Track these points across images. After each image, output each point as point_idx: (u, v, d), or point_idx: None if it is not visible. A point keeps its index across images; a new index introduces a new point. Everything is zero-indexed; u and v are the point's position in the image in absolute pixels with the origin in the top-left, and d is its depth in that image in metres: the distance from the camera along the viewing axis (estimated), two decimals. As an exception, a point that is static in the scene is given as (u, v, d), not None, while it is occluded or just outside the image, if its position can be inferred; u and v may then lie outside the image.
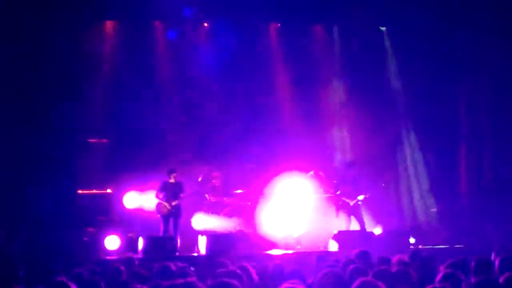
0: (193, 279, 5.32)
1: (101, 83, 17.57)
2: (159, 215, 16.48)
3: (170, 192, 16.44)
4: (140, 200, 17.12)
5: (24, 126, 15.37)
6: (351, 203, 16.71)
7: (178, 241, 16.01)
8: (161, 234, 16.26)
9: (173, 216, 16.45)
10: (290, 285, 5.30)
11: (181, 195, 16.44)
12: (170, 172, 16.52)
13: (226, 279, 4.92)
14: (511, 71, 17.17)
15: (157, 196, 16.49)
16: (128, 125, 17.54)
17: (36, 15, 15.47)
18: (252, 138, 17.76)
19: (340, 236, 15.85)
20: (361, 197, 16.74)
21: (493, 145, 17.14)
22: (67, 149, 15.99)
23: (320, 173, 17.67)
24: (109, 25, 17.67)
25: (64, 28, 15.82)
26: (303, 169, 17.67)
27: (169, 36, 17.84)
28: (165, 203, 16.38)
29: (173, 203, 16.37)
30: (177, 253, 15.57)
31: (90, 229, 16.47)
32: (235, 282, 4.79)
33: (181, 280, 4.87)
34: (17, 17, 15.26)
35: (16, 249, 14.70)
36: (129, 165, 17.21)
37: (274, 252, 16.06)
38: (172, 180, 16.47)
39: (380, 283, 5.67)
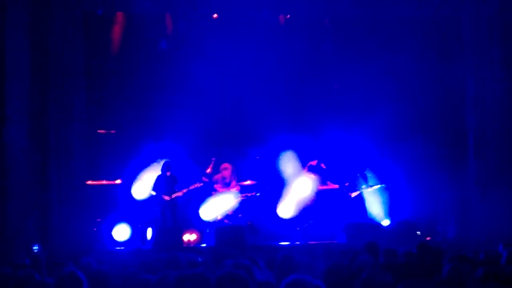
0: (201, 269, 5.34)
1: (110, 74, 17.55)
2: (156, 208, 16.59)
3: (166, 186, 16.52)
4: (149, 191, 17.15)
5: (35, 117, 15.40)
6: (353, 195, 16.80)
7: (184, 233, 16.09)
8: (169, 225, 16.32)
9: (170, 209, 16.52)
10: (298, 276, 5.29)
11: (176, 189, 16.54)
12: (166, 166, 16.60)
13: (234, 270, 4.94)
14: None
15: (154, 190, 16.57)
16: (136, 116, 17.61)
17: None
18: (260, 130, 17.72)
19: (348, 228, 15.86)
20: (364, 187, 16.86)
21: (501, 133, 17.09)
22: (77, 139, 16.02)
23: (322, 164, 17.74)
24: (118, 16, 17.63)
25: (70, 16, 15.83)
26: (309, 161, 17.78)
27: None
28: (164, 196, 16.45)
29: (170, 197, 16.44)
30: (184, 244, 15.64)
31: (99, 220, 16.54)
32: (243, 272, 4.81)
33: (189, 271, 4.90)
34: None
35: (30, 227, 14.80)
36: (138, 155, 17.22)
37: (283, 243, 16.10)
38: (168, 174, 16.55)
39: (387, 275, 5.68)
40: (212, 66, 17.58)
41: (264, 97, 17.86)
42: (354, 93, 18.21)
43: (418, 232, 16.32)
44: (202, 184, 16.91)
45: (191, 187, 16.69)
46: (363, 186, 16.95)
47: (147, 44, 17.68)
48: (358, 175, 17.05)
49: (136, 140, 17.57)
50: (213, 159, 17.71)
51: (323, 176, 17.66)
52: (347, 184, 17.00)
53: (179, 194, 16.59)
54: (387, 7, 17.27)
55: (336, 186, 17.44)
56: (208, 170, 17.63)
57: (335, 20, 18.14)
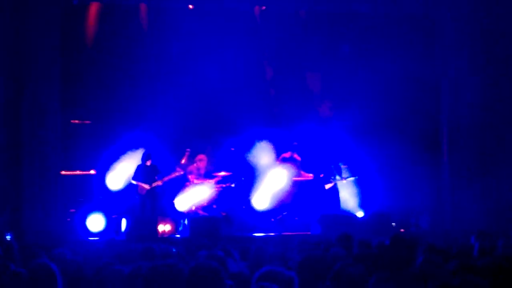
0: (174, 260, 5.34)
1: (84, 64, 17.43)
2: (137, 197, 16.58)
3: (146, 175, 16.51)
4: (124, 181, 17.10)
5: (8, 107, 15.29)
6: (327, 186, 16.87)
7: (159, 224, 16.09)
8: (143, 216, 16.31)
9: (150, 198, 16.52)
10: (271, 268, 5.31)
11: (156, 178, 16.52)
12: (146, 156, 16.59)
13: (207, 261, 4.94)
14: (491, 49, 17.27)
15: (133, 179, 16.55)
16: (111, 107, 17.54)
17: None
18: (235, 121, 17.71)
19: (323, 219, 15.91)
20: (338, 179, 16.94)
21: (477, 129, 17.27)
22: (51, 130, 15.93)
23: (295, 155, 17.81)
24: (94, 6, 17.51)
25: (44, 6, 15.70)
26: (282, 153, 17.85)
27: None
28: (144, 185, 16.45)
29: (150, 186, 16.44)
30: (159, 235, 15.63)
31: (73, 211, 16.48)
32: (216, 264, 4.81)
33: (162, 262, 4.89)
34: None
35: (3, 218, 14.71)
36: (113, 146, 17.15)
37: (257, 234, 16.13)
38: (148, 164, 16.55)
39: (360, 267, 5.71)
40: (188, 57, 17.57)
41: (240, 88, 17.85)
42: (329, 86, 18.26)
43: (393, 224, 16.44)
44: (182, 172, 16.89)
45: (171, 176, 16.69)
46: (337, 178, 17.02)
47: (122, 34, 17.56)
48: (332, 166, 17.11)
49: (111, 130, 17.49)
50: (188, 150, 17.71)
51: (297, 167, 17.71)
52: (321, 175, 17.05)
53: (159, 183, 16.57)
54: (362, 2, 17.32)
55: (310, 176, 17.49)
56: (183, 161, 17.63)
57: (311, 13, 18.13)
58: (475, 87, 17.12)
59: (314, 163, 17.47)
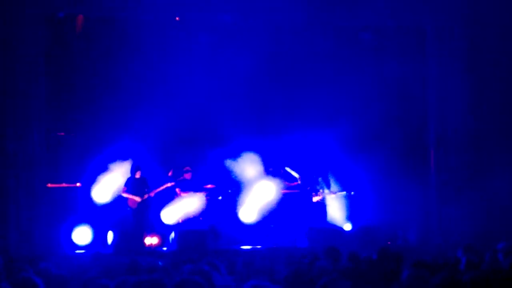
0: (159, 275, 5.31)
1: (70, 76, 17.39)
2: (128, 209, 16.54)
3: (136, 188, 16.48)
4: (111, 193, 17.04)
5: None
6: (315, 199, 16.87)
7: (146, 236, 16.05)
8: (130, 229, 16.26)
9: (140, 211, 16.48)
10: (257, 282, 5.29)
11: (147, 190, 16.50)
12: (136, 168, 16.57)
13: (191, 276, 4.91)
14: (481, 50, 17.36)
15: (124, 192, 16.51)
16: (96, 118, 17.50)
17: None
18: (223, 133, 17.69)
19: (310, 232, 15.90)
20: (327, 192, 16.94)
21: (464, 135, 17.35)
22: (36, 142, 15.88)
23: (286, 168, 17.80)
24: (78, 19, 17.48)
25: (30, 19, 15.68)
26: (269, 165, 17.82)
27: None
28: (135, 197, 16.42)
29: (141, 198, 16.41)
30: (146, 248, 15.58)
31: (59, 224, 16.40)
32: (199, 279, 4.78)
33: (147, 276, 4.86)
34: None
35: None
36: (98, 158, 17.10)
37: (244, 247, 16.10)
38: (137, 176, 16.52)
39: (345, 282, 5.69)
40: (175, 68, 17.54)
41: (227, 99, 17.82)
42: (318, 98, 18.24)
43: (388, 243, 16.40)
44: (173, 183, 16.86)
45: (162, 188, 16.66)
46: (326, 191, 17.01)
47: (107, 45, 17.54)
48: (320, 179, 17.09)
49: (96, 142, 17.43)
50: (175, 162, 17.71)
51: (284, 180, 17.69)
52: (308, 188, 17.05)
53: (151, 195, 16.56)
54: (346, 14, 17.36)
55: (296, 189, 17.48)
56: (170, 174, 17.59)
57: (298, 24, 18.16)
58: (462, 98, 17.20)
59: (302, 176, 17.45)
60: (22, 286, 5.89)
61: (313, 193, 16.95)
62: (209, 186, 17.50)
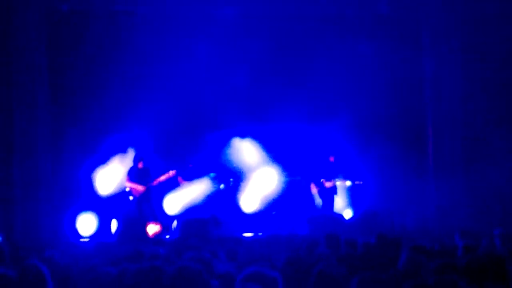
0: (160, 262, 5.43)
1: (72, 67, 17.49)
2: (132, 199, 16.67)
3: (138, 177, 16.59)
4: (114, 183, 17.17)
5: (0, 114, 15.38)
6: (328, 185, 16.96)
7: (150, 224, 16.17)
8: (133, 218, 16.39)
9: (144, 200, 16.60)
10: (255, 268, 5.41)
11: (149, 180, 16.61)
12: (138, 158, 16.68)
13: (190, 263, 5.03)
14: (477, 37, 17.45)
15: (127, 181, 16.62)
16: (99, 110, 17.62)
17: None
18: (223, 121, 17.77)
19: (311, 220, 16.00)
20: (344, 182, 17.07)
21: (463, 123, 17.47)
22: (40, 133, 16.02)
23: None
24: (81, 13, 17.58)
25: (34, 12, 15.80)
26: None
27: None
28: (138, 186, 16.54)
29: (145, 187, 16.53)
30: (149, 236, 15.70)
31: (64, 213, 16.54)
32: (200, 265, 4.91)
33: (148, 264, 4.98)
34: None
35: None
36: (101, 148, 17.22)
37: (246, 234, 16.21)
38: (140, 166, 16.63)
39: (341, 267, 5.81)
40: (174, 58, 17.58)
41: (229, 88, 17.87)
42: (317, 86, 18.29)
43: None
44: (175, 172, 16.96)
45: (164, 177, 16.77)
46: (337, 179, 17.10)
47: (108, 38, 17.62)
48: (324, 167, 17.16)
49: (99, 133, 17.53)
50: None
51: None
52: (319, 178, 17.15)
53: (153, 184, 16.66)
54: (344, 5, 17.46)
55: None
56: (173, 173, 17.66)
57: (298, 15, 18.23)
58: (458, 88, 17.31)
59: (309, 163, 17.53)
60: (28, 273, 6.01)
61: (324, 180, 17.01)
62: (212, 174, 17.60)
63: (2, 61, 15.35)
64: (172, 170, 17.00)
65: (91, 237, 16.09)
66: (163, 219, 16.80)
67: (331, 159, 17.18)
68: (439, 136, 17.53)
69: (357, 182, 17.38)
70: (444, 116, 17.46)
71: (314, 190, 17.11)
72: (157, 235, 16.29)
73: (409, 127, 18.19)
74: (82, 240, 15.84)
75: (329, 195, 17.06)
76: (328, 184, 17.00)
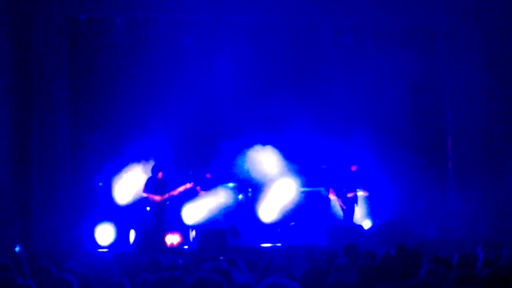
0: (179, 273, 5.40)
1: (92, 76, 17.57)
2: (150, 209, 16.68)
3: (156, 188, 16.59)
4: (132, 193, 17.18)
5: (17, 121, 15.43)
6: (349, 195, 16.91)
7: (168, 234, 16.17)
8: (151, 228, 16.39)
9: (161, 210, 16.60)
10: (274, 279, 5.37)
11: (167, 190, 16.61)
12: (157, 169, 16.66)
13: (209, 274, 5.00)
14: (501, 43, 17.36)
15: (144, 192, 16.62)
16: (118, 119, 17.66)
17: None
18: (242, 131, 17.76)
19: (329, 230, 15.94)
20: (361, 193, 17.02)
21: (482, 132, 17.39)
22: (60, 142, 16.09)
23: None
24: (99, 21, 17.68)
25: (53, 21, 15.90)
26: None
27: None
28: (155, 196, 16.53)
29: (162, 197, 16.53)
30: (167, 246, 15.70)
31: (82, 222, 16.57)
32: (217, 277, 4.87)
33: (167, 274, 4.96)
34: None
35: (12, 230, 14.82)
36: (120, 157, 17.26)
37: (265, 245, 16.18)
38: (159, 177, 16.62)
39: (353, 276, 5.76)
40: (194, 67, 17.63)
41: (248, 97, 17.90)
42: (337, 98, 18.25)
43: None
44: (193, 184, 16.94)
45: (182, 188, 16.76)
46: (358, 190, 17.05)
47: (127, 47, 17.69)
48: (345, 177, 17.10)
49: (118, 142, 17.58)
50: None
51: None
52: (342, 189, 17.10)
53: (172, 194, 16.65)
54: (364, 15, 17.45)
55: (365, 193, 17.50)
56: (191, 172, 17.67)
57: (314, 23, 18.23)
58: (477, 95, 17.26)
59: (329, 173, 17.49)
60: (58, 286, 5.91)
61: (345, 191, 16.97)
62: (230, 185, 17.60)
63: (22, 72, 15.42)
64: (190, 182, 16.99)
65: (109, 247, 16.09)
66: (182, 229, 16.78)
67: (353, 168, 17.11)
68: (459, 145, 17.45)
69: (364, 193, 17.32)
70: (464, 124, 17.39)
71: (333, 196, 17.04)
72: (175, 245, 16.29)
73: (428, 136, 18.15)
74: (100, 250, 15.84)
75: (349, 205, 16.98)
76: (349, 195, 16.93)
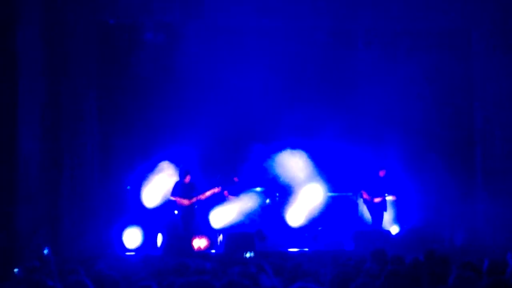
0: (207, 277, 5.41)
1: (121, 80, 17.68)
2: (177, 212, 16.72)
3: (184, 192, 16.61)
4: (160, 197, 17.23)
5: (47, 126, 15.56)
6: (376, 200, 16.84)
7: (195, 238, 16.19)
8: (179, 231, 16.43)
9: (188, 214, 16.63)
10: (302, 284, 5.37)
11: (194, 194, 16.63)
12: (185, 173, 16.68)
13: (238, 278, 5.00)
14: None
15: (172, 195, 16.65)
16: (147, 123, 17.73)
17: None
18: (270, 135, 17.75)
19: (356, 235, 15.89)
20: (389, 197, 16.94)
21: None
22: (89, 146, 16.21)
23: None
24: (128, 26, 17.80)
25: (83, 25, 16.04)
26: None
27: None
28: (183, 200, 16.57)
29: (189, 201, 16.56)
30: (195, 250, 15.72)
31: (111, 225, 16.65)
32: (247, 281, 4.87)
33: (195, 278, 4.96)
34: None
35: (42, 232, 14.90)
36: (149, 162, 17.32)
37: (292, 249, 16.16)
38: (186, 181, 16.65)
39: (376, 282, 5.72)
40: (221, 71, 17.64)
41: (278, 102, 17.91)
42: (367, 103, 18.17)
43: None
44: (220, 188, 16.95)
45: (210, 192, 16.77)
46: (386, 195, 16.98)
47: (155, 52, 17.78)
48: (374, 182, 17.04)
49: (147, 146, 17.65)
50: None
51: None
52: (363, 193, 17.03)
53: (199, 198, 16.67)
54: (394, 19, 17.39)
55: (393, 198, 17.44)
56: (219, 176, 17.69)
57: (344, 28, 18.21)
58: (508, 98, 17.08)
59: (358, 178, 17.44)
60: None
61: (373, 196, 16.91)
62: (257, 189, 17.59)
63: (52, 77, 15.54)
64: (217, 186, 16.98)
65: (136, 250, 16.16)
66: (209, 233, 16.80)
67: (381, 173, 17.03)
68: (488, 149, 17.31)
69: (392, 198, 17.23)
70: (493, 130, 17.24)
71: (366, 196, 16.96)
72: (203, 249, 16.32)
73: (457, 141, 18.03)
74: (128, 253, 15.91)
75: (378, 210, 16.91)
76: (377, 200, 16.86)
